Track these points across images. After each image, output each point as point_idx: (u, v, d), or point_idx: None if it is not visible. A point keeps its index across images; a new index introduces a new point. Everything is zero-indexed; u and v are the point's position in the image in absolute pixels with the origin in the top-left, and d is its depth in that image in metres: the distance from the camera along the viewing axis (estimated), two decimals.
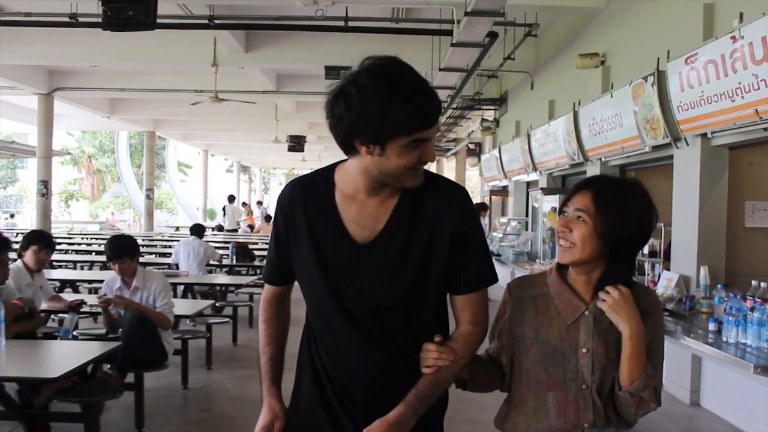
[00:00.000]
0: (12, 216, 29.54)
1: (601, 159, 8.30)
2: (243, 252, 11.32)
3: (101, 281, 8.74)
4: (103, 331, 5.34)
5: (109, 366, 4.68)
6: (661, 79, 6.19)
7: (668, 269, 6.44)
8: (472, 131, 18.29)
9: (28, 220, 32.83)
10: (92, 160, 48.35)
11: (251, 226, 24.20)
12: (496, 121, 15.83)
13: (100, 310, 5.12)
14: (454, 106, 15.01)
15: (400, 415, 1.78)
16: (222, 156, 41.77)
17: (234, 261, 10.78)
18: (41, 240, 5.47)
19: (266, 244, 9.91)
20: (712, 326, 4.50)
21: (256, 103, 16.31)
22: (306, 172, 1.81)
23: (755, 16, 4.71)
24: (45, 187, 17.14)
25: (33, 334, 4.61)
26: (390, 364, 1.87)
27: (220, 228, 23.38)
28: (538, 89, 11.97)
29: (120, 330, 4.96)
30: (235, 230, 22.52)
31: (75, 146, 45.52)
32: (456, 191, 1.94)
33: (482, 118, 16.49)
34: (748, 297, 4.44)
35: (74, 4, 9.34)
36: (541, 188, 10.97)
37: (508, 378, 2.06)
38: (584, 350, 1.92)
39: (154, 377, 5.85)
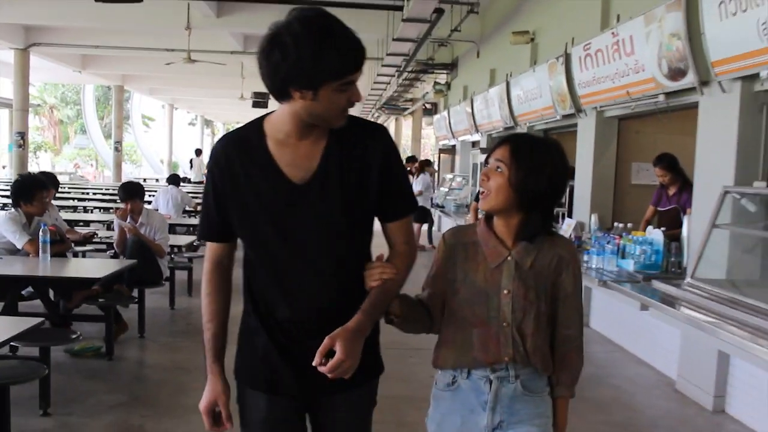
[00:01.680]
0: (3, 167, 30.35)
1: (527, 124, 9.69)
2: None
3: (89, 222, 10.01)
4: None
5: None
6: (568, 61, 7.56)
7: (570, 216, 7.90)
8: (427, 92, 19.50)
9: None
10: (54, 111, 48.42)
11: None
12: (448, 85, 17.09)
13: (113, 240, 6.46)
14: (409, 69, 16.22)
15: (359, 323, 1.90)
16: (186, 110, 42.37)
17: None
18: (49, 180, 6.74)
19: None
20: (585, 258, 5.90)
21: (226, 64, 17.32)
22: None
23: (631, 16, 6.07)
24: (22, 138, 18.09)
25: (63, 255, 5.89)
26: (337, 293, 2.01)
27: (185, 180, 24.40)
28: (483, 58, 13.25)
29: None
30: (201, 182, 23.60)
31: (36, 96, 45.43)
32: (380, 129, 2.11)
33: (435, 81, 17.77)
34: (613, 235, 5.89)
35: None
36: (480, 148, 12.36)
37: (438, 321, 2.19)
38: (505, 291, 2.06)
39: (148, 300, 7.09)
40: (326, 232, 1.97)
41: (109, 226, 8.38)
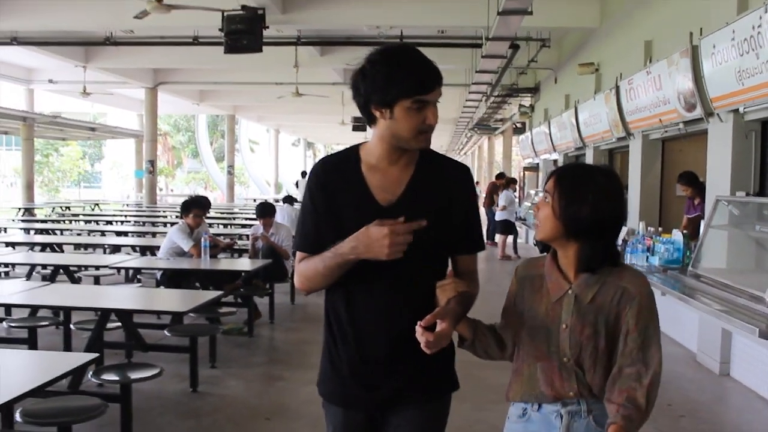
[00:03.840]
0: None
1: (592, 145, 11.04)
2: None
3: (226, 234, 11.96)
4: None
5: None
6: (618, 92, 8.92)
7: (625, 224, 9.23)
8: (514, 113, 20.89)
9: (115, 193, 36.42)
10: (167, 138, 52.07)
11: None
12: (532, 107, 18.45)
13: (247, 248, 8.29)
14: (495, 94, 17.66)
15: (455, 308, 2.01)
16: (289, 134, 44.95)
17: None
18: (206, 202, 8.50)
19: None
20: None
21: (329, 96, 19.22)
22: None
23: (658, 59, 7.42)
24: (152, 165, 20.51)
25: (215, 257, 7.71)
26: (411, 313, 2.02)
27: (295, 200, 26.55)
28: (559, 84, 14.64)
29: (260, 256, 8.11)
30: None
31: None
32: (465, 169, 2.25)
33: (520, 104, 19.19)
34: (646, 237, 7.24)
35: (196, 28, 12.46)
36: (556, 167, 13.72)
37: (510, 351, 2.20)
38: (564, 326, 2.04)
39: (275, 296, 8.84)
40: (407, 253, 2.00)
41: (231, 237, 10.21)
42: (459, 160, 2.34)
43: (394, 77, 1.97)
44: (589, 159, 11.46)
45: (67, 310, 5.54)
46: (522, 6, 8.13)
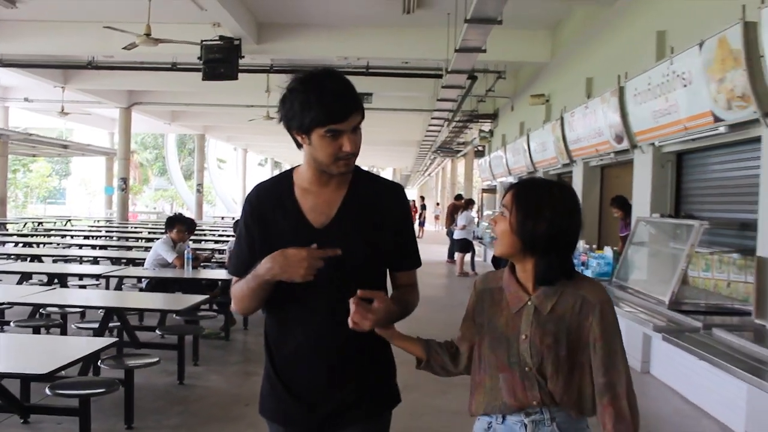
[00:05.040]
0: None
1: (542, 170, 12.00)
2: None
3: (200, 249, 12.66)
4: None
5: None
6: (562, 123, 9.88)
7: None
8: (475, 138, 21.92)
9: (81, 209, 36.61)
10: (135, 155, 52.38)
11: None
12: (491, 132, 19.47)
13: (223, 260, 9.02)
14: (456, 119, 18.64)
15: (391, 302, 2.12)
16: (257, 153, 45.58)
17: None
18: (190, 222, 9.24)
19: None
20: None
21: None
22: None
23: (595, 96, 8.38)
24: (124, 182, 21.11)
25: (196, 269, 8.46)
26: (346, 333, 2.07)
27: None
28: (516, 112, 15.66)
29: None
30: None
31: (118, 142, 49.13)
32: (398, 188, 2.31)
33: (480, 129, 20.22)
34: (582, 253, 8.15)
35: (175, 55, 13.23)
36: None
37: (463, 363, 2.24)
38: (524, 336, 2.06)
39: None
40: (341, 274, 2.10)
41: (208, 252, 10.97)
42: (393, 180, 2.42)
43: (308, 108, 2.01)
44: None
45: (66, 312, 6.26)
46: (477, 45, 9.08)
